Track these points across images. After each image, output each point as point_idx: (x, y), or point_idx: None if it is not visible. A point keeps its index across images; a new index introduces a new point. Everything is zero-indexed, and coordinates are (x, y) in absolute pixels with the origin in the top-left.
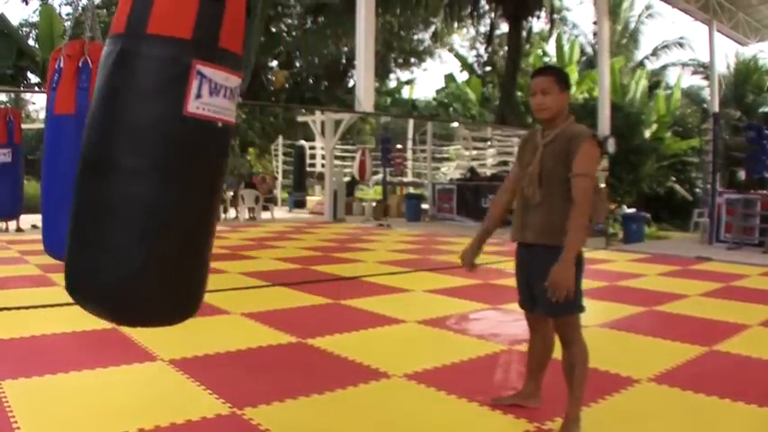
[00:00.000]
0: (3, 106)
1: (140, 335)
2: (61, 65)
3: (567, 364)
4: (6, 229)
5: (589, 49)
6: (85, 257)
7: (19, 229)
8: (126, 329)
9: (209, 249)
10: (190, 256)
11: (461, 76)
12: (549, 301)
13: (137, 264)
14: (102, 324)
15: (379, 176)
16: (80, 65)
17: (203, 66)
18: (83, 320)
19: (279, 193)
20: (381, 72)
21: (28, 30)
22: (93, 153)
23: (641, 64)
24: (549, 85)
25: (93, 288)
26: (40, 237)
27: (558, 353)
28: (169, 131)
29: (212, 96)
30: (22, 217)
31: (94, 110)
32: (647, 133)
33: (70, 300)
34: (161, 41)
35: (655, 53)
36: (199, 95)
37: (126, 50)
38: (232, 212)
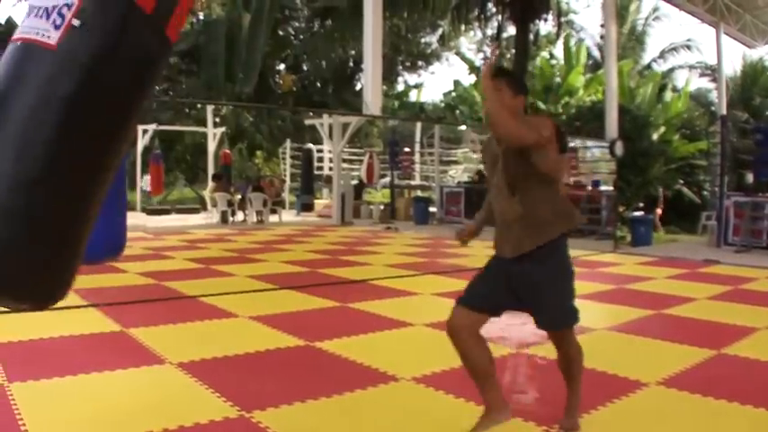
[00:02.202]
0: None
1: (148, 338)
2: None
3: (563, 362)
4: None
5: (596, 52)
6: None
7: None
8: (134, 332)
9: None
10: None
11: (469, 79)
12: (551, 314)
13: None
14: (109, 327)
15: (387, 179)
16: None
17: None
18: (91, 323)
19: (287, 197)
20: (389, 75)
21: None
22: None
23: (649, 66)
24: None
25: None
26: None
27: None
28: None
29: (26, 19)
30: None
31: None
32: (655, 136)
33: (77, 302)
34: None
35: (662, 56)
36: (22, 23)
37: None
38: (240, 215)
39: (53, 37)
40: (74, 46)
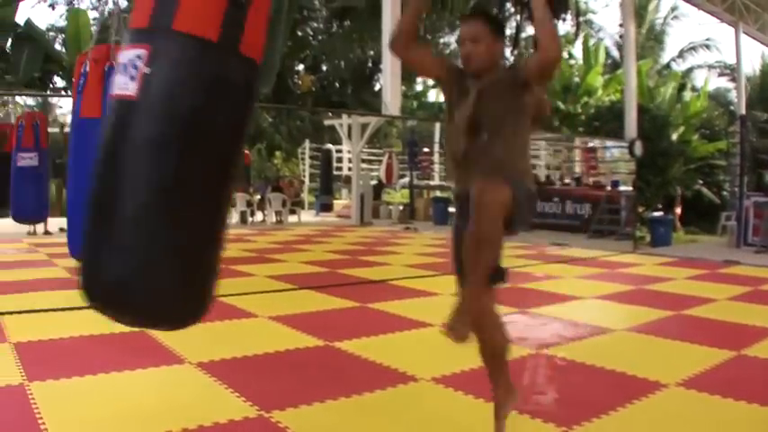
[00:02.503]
0: (29, 111)
1: (168, 338)
2: (87, 69)
3: (470, 254)
4: (34, 232)
5: (615, 52)
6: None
7: (47, 232)
8: (153, 332)
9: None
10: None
11: None
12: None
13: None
14: (130, 327)
15: (406, 180)
16: (106, 69)
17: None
18: (110, 322)
19: (306, 197)
20: (408, 75)
21: (54, 34)
22: None
23: (668, 66)
24: (479, 32)
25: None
26: (67, 240)
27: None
28: None
29: (114, 76)
30: (50, 220)
31: None
32: (674, 136)
33: None
34: None
35: (681, 55)
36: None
37: None
38: (259, 216)
39: (131, 88)
40: (151, 91)
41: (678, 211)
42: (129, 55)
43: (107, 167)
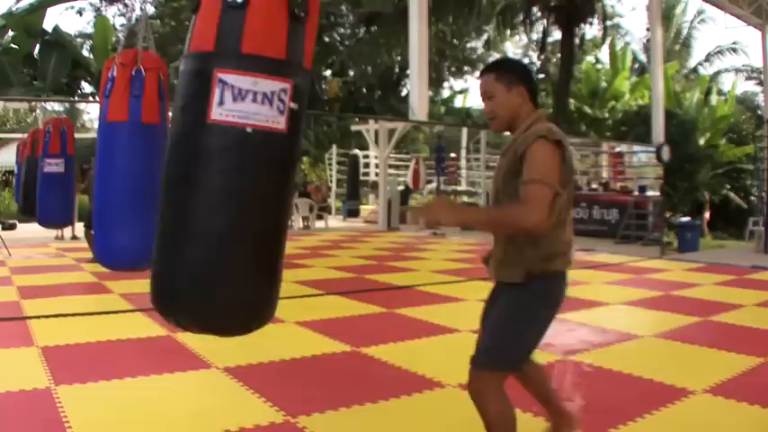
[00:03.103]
0: (57, 117)
1: (195, 342)
2: (114, 73)
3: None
4: (62, 237)
5: (642, 57)
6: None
7: (74, 237)
8: (180, 336)
9: (254, 257)
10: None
11: None
12: (481, 345)
13: (173, 270)
14: (156, 331)
15: (433, 185)
16: (133, 73)
17: (224, 73)
18: (138, 327)
19: (333, 202)
20: (435, 81)
21: (82, 41)
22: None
23: (695, 70)
24: (490, 87)
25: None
26: (94, 246)
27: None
28: (195, 140)
29: (236, 102)
30: (77, 225)
31: None
32: (702, 140)
33: (125, 307)
34: (192, 58)
35: (708, 59)
36: (221, 103)
37: (179, 71)
38: None
39: (281, 122)
40: (294, 124)
41: (706, 216)
42: (272, 86)
43: (256, 197)
